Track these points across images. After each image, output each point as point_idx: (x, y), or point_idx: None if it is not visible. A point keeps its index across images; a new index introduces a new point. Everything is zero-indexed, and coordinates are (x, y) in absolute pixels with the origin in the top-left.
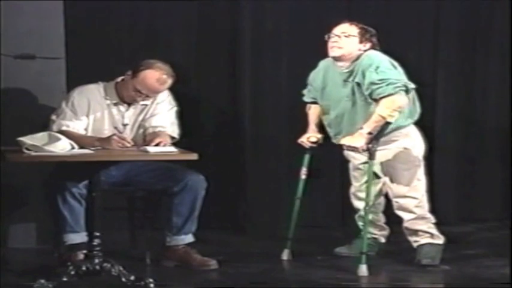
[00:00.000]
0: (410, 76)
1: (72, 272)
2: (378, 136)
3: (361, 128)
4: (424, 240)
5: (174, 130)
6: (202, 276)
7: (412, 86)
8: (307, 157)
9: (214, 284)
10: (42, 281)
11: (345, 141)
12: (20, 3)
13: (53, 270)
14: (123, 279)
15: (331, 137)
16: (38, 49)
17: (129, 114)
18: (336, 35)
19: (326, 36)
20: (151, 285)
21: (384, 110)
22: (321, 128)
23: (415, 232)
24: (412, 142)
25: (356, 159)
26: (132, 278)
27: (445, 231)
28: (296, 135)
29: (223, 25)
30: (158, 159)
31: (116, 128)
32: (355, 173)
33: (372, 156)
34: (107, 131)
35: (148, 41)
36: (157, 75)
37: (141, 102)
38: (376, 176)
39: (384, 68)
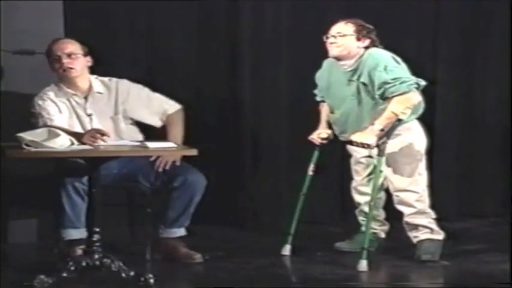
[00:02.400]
0: (410, 72)
1: (72, 268)
2: (388, 133)
3: (373, 125)
4: (424, 235)
5: (169, 104)
6: (202, 272)
7: (423, 82)
8: (316, 154)
9: (213, 279)
10: (42, 276)
11: (356, 137)
12: (20, 2)
13: (53, 265)
14: (123, 275)
15: (336, 135)
16: (38, 45)
17: (90, 105)
18: (332, 36)
19: (324, 37)
20: (151, 280)
21: (397, 107)
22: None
23: (415, 227)
24: (414, 136)
25: (358, 152)
26: (132, 273)
27: (445, 226)
28: (296, 131)
29: (223, 25)
30: (159, 155)
31: (80, 120)
32: (356, 167)
33: (381, 153)
34: (76, 124)
35: (148, 39)
36: (54, 41)
37: (95, 90)
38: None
39: (392, 66)
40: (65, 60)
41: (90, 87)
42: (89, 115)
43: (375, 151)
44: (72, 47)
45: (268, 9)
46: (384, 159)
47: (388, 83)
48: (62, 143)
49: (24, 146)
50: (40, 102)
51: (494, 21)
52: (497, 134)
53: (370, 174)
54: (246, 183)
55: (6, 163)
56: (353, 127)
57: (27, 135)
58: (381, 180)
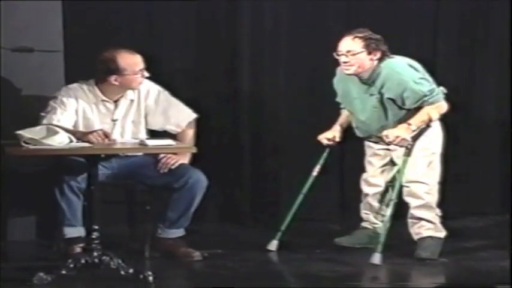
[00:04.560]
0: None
1: (71, 265)
2: (418, 135)
3: (409, 124)
4: (426, 232)
5: (184, 114)
6: (201, 270)
7: (445, 91)
8: (324, 155)
9: (212, 276)
10: (41, 273)
11: (392, 132)
12: (19, 1)
13: (52, 263)
14: (122, 272)
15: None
16: (37, 43)
17: (118, 111)
18: (343, 54)
19: (335, 54)
20: (150, 278)
21: (433, 112)
22: (346, 130)
23: (419, 221)
24: (431, 130)
25: (375, 144)
26: (131, 271)
27: (445, 224)
28: (295, 130)
29: (222, 24)
30: (158, 153)
31: (105, 124)
32: (371, 158)
33: (409, 153)
34: (97, 127)
35: (147, 35)
36: (127, 53)
37: (129, 98)
38: (393, 163)
39: (418, 78)
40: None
41: (124, 93)
42: (114, 120)
43: (401, 151)
44: None
45: (267, 9)
46: (408, 158)
47: (427, 95)
48: (60, 140)
49: (23, 144)
50: (65, 98)
51: (493, 20)
52: (497, 132)
53: (384, 165)
54: (245, 181)
55: (5, 161)
56: (377, 132)
57: (26, 133)
58: (393, 172)
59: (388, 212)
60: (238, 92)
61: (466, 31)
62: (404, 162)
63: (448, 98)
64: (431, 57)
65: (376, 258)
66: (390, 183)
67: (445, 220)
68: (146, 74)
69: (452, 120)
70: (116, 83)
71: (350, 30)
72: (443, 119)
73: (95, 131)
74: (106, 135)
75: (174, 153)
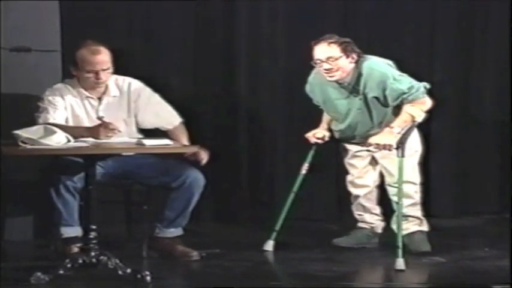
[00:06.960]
0: (407, 69)
1: (69, 265)
2: (406, 134)
3: (391, 127)
4: (413, 227)
5: (174, 115)
6: (199, 269)
7: (428, 86)
8: (311, 153)
9: (210, 276)
10: (39, 273)
11: (377, 140)
12: (17, 1)
13: (49, 263)
14: (120, 272)
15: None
16: (34, 42)
17: (103, 108)
18: (324, 61)
19: (312, 63)
20: (148, 278)
21: (415, 110)
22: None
23: (406, 218)
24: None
25: (353, 146)
26: (129, 270)
27: (442, 224)
28: (293, 129)
29: (220, 25)
30: (155, 152)
31: (91, 122)
32: (352, 160)
33: (403, 154)
34: (86, 124)
35: (145, 35)
36: (87, 49)
37: (112, 94)
38: (375, 162)
39: (397, 75)
40: (102, 76)
41: (106, 89)
42: (100, 118)
43: (394, 152)
44: (107, 59)
45: (264, 10)
46: (403, 159)
47: (405, 93)
48: (58, 140)
49: (21, 144)
50: (51, 97)
51: (491, 15)
52: (495, 131)
53: (367, 165)
54: (243, 180)
55: (3, 160)
56: (361, 134)
57: (23, 133)
58: (378, 171)
59: (398, 218)
60: (236, 92)
61: (464, 30)
62: (400, 163)
63: (446, 96)
64: (429, 56)
65: (400, 263)
66: (377, 183)
67: (441, 220)
68: (103, 78)
69: (450, 119)
70: (77, 76)
71: (319, 38)
72: (441, 118)
73: (101, 124)
74: (111, 128)
75: (180, 154)
